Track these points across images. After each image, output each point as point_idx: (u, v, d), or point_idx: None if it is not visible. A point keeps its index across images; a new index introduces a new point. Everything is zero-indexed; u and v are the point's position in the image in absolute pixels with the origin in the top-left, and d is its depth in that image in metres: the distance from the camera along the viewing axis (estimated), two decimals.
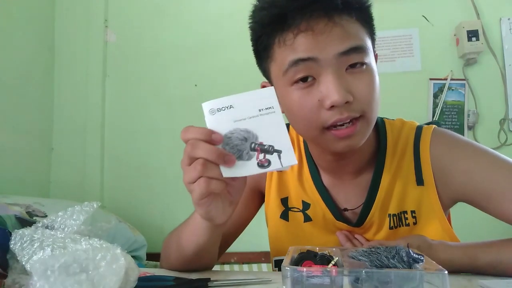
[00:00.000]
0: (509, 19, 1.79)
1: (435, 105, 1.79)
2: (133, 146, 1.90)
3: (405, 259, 0.44)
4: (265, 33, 0.61)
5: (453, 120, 1.78)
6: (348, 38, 0.57)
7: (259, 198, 0.82)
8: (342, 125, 0.59)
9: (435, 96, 1.80)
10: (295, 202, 0.76)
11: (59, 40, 1.92)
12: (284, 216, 0.77)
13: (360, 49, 0.58)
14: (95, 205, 0.54)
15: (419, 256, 0.44)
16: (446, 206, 0.70)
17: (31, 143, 1.76)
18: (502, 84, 1.78)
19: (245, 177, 0.53)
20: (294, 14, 0.57)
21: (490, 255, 0.61)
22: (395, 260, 0.43)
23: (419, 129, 0.72)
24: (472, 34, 1.73)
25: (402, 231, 0.70)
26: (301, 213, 0.76)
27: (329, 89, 0.57)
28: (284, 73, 0.60)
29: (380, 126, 0.73)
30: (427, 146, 0.69)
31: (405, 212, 0.70)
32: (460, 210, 0.77)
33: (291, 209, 0.77)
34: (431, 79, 1.79)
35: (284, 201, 0.78)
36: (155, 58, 1.90)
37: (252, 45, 0.66)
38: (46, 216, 1.14)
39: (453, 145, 0.69)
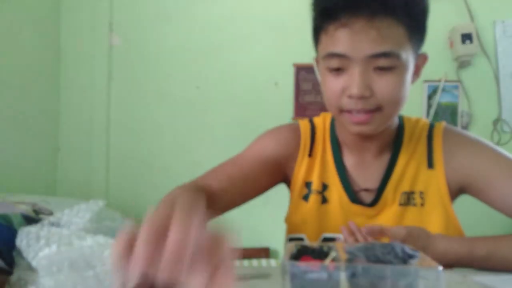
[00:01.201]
0: (503, 21, 1.81)
1: (429, 107, 1.82)
2: (138, 146, 1.92)
3: (400, 255, 0.44)
4: (317, 19, 0.69)
5: (447, 121, 1.81)
6: (381, 43, 0.62)
7: (279, 175, 0.83)
8: (358, 112, 0.66)
9: (429, 97, 1.82)
10: (317, 185, 0.80)
11: (64, 43, 1.94)
12: (306, 198, 0.80)
13: (390, 55, 0.62)
14: (100, 203, 0.55)
15: (414, 253, 0.44)
16: (452, 192, 0.74)
17: (38, 143, 1.78)
18: (495, 85, 1.80)
19: None
20: (340, 10, 0.62)
21: (486, 247, 0.64)
22: (391, 255, 0.44)
23: (432, 123, 0.80)
24: (466, 37, 1.75)
25: (410, 210, 0.75)
26: (319, 195, 0.79)
27: (352, 81, 0.64)
28: (323, 58, 0.68)
29: (400, 120, 0.80)
30: (440, 135, 0.76)
31: (414, 192, 0.75)
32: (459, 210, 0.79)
33: (312, 192, 0.80)
34: (425, 81, 1.82)
35: (308, 185, 0.81)
36: (158, 61, 1.93)
37: (311, 25, 0.73)
38: (52, 214, 1.15)
39: (463, 135, 0.77)
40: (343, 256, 0.45)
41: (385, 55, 0.62)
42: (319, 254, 0.46)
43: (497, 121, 1.79)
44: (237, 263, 1.59)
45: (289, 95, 1.87)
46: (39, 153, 1.80)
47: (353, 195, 0.77)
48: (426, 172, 0.75)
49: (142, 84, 1.93)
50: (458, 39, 1.76)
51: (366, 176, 0.78)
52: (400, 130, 0.78)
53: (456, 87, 1.81)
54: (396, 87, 0.65)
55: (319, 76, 0.76)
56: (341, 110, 0.68)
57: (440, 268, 0.39)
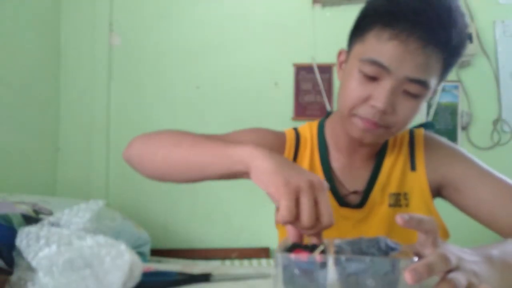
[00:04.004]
0: (503, 22, 1.82)
1: (429, 107, 1.82)
2: None
3: (383, 248, 0.47)
4: (373, 18, 0.66)
5: (447, 121, 1.81)
6: (423, 70, 0.62)
7: None
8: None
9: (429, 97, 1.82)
10: None
11: (65, 43, 1.94)
12: None
13: (424, 84, 0.63)
14: (100, 203, 0.55)
15: (395, 246, 0.48)
16: (433, 191, 0.77)
17: (38, 143, 1.78)
18: (495, 85, 1.80)
19: None
20: (405, 22, 0.61)
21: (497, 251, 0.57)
22: (374, 248, 0.47)
23: (412, 129, 0.83)
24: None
25: (399, 211, 0.76)
26: None
27: (380, 94, 0.64)
28: (361, 60, 0.66)
29: None
30: (421, 140, 0.79)
31: (399, 194, 0.77)
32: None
33: None
34: None
35: None
36: (158, 60, 1.93)
37: (358, 17, 0.70)
38: (52, 214, 1.14)
39: (442, 141, 0.81)
40: (332, 249, 0.49)
41: (420, 82, 0.63)
42: (311, 248, 0.49)
43: (497, 121, 1.79)
44: (238, 263, 1.59)
45: (289, 95, 1.87)
46: (39, 153, 1.80)
47: (341, 199, 0.78)
48: (409, 174, 0.78)
49: (142, 84, 1.93)
50: None
51: (354, 178, 0.79)
52: None
53: (456, 87, 1.81)
54: (414, 113, 0.67)
55: (340, 71, 0.75)
56: (354, 115, 0.68)
57: (416, 259, 0.43)
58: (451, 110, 1.81)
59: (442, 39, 0.61)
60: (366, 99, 0.66)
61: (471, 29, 1.76)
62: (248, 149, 0.55)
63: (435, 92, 0.73)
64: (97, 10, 1.93)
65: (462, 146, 1.78)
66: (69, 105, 1.93)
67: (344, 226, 0.77)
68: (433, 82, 0.65)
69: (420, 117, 1.82)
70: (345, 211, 0.77)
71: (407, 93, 0.64)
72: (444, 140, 0.81)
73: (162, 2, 1.95)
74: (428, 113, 1.82)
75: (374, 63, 0.64)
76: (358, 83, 0.66)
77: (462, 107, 1.81)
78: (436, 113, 1.81)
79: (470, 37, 0.69)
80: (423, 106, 1.82)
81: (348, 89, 0.68)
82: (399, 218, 0.46)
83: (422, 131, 0.81)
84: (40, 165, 1.81)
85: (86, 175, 1.90)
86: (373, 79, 0.65)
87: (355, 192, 0.78)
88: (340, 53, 0.77)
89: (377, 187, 0.77)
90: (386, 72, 0.63)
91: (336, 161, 0.80)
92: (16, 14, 1.65)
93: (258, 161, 0.53)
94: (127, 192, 1.91)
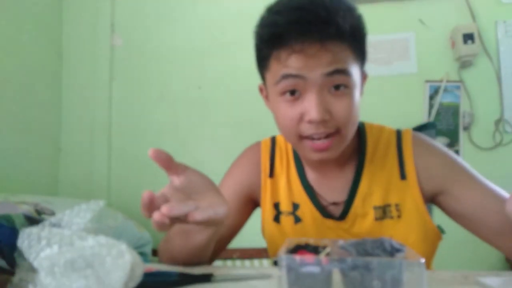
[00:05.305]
0: (504, 22, 1.81)
1: (430, 107, 1.81)
2: (139, 146, 1.93)
3: (388, 249, 0.47)
4: (265, 47, 0.67)
5: (448, 121, 1.81)
6: (335, 62, 0.63)
7: (252, 204, 0.86)
8: (319, 139, 0.66)
9: (431, 97, 1.82)
10: (286, 205, 0.80)
11: (66, 44, 1.95)
12: (276, 219, 0.80)
13: (344, 72, 0.63)
14: (100, 203, 0.55)
15: (400, 247, 0.47)
16: (426, 200, 0.75)
17: (40, 143, 1.79)
18: (497, 85, 1.80)
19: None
20: (291, 36, 0.62)
21: None
22: (379, 250, 0.47)
23: (399, 132, 0.79)
24: (468, 37, 1.75)
25: (387, 223, 0.74)
26: (291, 216, 0.79)
27: (310, 106, 0.63)
28: (276, 84, 0.66)
29: (360, 127, 0.80)
30: (409, 146, 0.76)
31: (389, 205, 0.74)
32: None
33: (283, 213, 0.80)
34: (427, 81, 1.82)
35: (276, 205, 0.81)
36: (160, 61, 1.93)
37: (255, 52, 0.72)
38: (54, 214, 1.15)
39: (432, 144, 0.77)
40: (336, 250, 0.48)
41: (339, 72, 0.63)
42: (315, 250, 0.49)
43: (499, 121, 1.79)
44: (239, 263, 1.59)
45: None
46: (41, 153, 1.81)
47: (323, 210, 0.77)
48: (399, 183, 0.75)
49: (144, 85, 1.94)
50: (460, 39, 1.75)
51: (331, 190, 0.77)
52: (362, 137, 0.78)
53: (457, 87, 1.81)
54: (352, 108, 0.65)
55: (269, 103, 0.75)
56: (301, 137, 0.67)
57: (423, 260, 0.42)
58: (453, 111, 1.80)
59: (333, 32, 0.61)
60: (300, 119, 0.65)
61: (473, 29, 1.75)
62: None
63: (365, 78, 0.72)
64: (99, 11, 1.94)
65: (464, 146, 1.78)
66: (71, 105, 1.94)
67: (330, 237, 0.75)
68: (353, 68, 0.65)
69: (422, 117, 1.81)
70: (329, 222, 0.76)
71: (334, 90, 0.64)
72: (434, 143, 0.78)
73: (163, 3, 1.95)
74: (430, 113, 1.81)
75: (287, 76, 0.64)
76: (285, 107, 0.66)
77: (464, 107, 1.80)
78: (438, 113, 1.80)
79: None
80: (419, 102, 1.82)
81: (280, 116, 0.68)
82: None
83: (409, 134, 0.78)
84: (42, 165, 1.82)
85: (88, 175, 1.91)
86: (296, 96, 0.65)
87: (334, 204, 0.76)
88: (261, 89, 0.78)
89: (358, 198, 0.75)
90: (302, 81, 0.63)
91: (310, 174, 0.79)
92: (18, 15, 1.65)
93: None
94: (129, 191, 1.91)
